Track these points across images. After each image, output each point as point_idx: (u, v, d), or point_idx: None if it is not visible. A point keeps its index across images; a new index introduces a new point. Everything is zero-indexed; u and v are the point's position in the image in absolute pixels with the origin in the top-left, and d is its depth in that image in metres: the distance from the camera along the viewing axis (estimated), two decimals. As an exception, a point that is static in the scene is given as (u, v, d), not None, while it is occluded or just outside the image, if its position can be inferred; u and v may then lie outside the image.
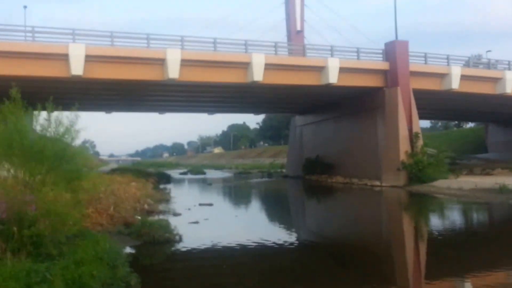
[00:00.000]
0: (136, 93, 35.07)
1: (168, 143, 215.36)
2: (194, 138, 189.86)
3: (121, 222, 14.07)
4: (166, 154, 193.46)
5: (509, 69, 39.53)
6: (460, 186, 28.80)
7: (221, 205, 26.79)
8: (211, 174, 64.60)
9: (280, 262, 11.41)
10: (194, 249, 12.78)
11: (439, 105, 44.64)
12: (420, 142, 34.07)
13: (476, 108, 46.14)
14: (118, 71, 27.80)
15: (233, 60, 29.92)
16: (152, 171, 50.87)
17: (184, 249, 12.64)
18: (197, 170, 69.26)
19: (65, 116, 8.90)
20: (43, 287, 5.56)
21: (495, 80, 38.35)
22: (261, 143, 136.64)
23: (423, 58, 36.13)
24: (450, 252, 12.40)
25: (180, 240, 13.14)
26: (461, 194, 27.02)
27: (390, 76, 34.40)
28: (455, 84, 35.85)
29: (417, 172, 32.38)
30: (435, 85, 36.25)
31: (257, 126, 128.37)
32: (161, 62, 28.24)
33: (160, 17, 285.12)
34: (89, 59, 26.62)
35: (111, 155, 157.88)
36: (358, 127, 39.36)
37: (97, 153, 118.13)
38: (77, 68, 26.57)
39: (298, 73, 31.83)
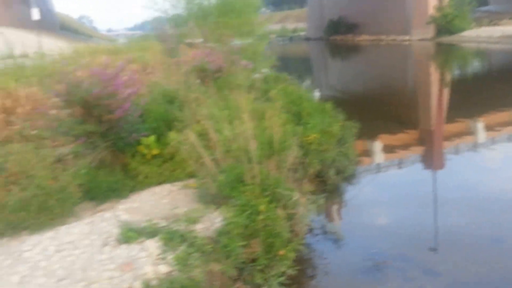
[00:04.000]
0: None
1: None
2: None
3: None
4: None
5: None
6: (489, 34, 30.54)
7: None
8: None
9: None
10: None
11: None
12: (448, -4, 34.97)
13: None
14: None
15: None
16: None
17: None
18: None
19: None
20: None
21: None
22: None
23: None
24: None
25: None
26: (492, 41, 28.94)
27: None
28: None
29: (446, 24, 33.92)
30: None
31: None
32: None
33: None
34: None
35: (109, 30, 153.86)
36: (385, -17, 39.69)
37: (94, 29, 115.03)
38: None
39: None
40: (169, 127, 5.67)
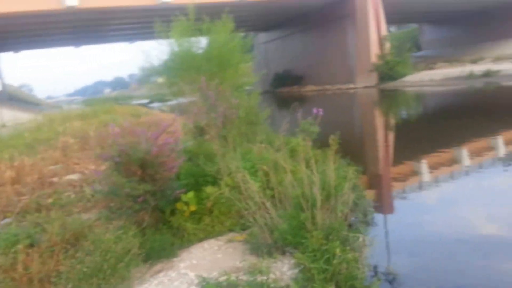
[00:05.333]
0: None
1: (109, 78, 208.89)
2: (135, 70, 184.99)
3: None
4: (107, 90, 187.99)
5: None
6: (430, 77, 32.91)
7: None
8: (181, 99, 65.44)
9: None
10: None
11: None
12: (388, 44, 37.53)
13: (420, 9, 49.56)
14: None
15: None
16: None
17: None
18: (160, 98, 70.16)
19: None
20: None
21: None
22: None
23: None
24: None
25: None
26: (434, 84, 31.16)
27: (360, -16, 36.86)
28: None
29: (388, 71, 36.11)
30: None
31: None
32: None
33: None
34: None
35: (49, 97, 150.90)
36: (327, 37, 42.12)
37: (34, 97, 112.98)
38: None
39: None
40: (200, 182, 5.69)
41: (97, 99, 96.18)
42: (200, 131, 7.98)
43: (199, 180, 5.76)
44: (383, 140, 14.46)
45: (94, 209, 5.53)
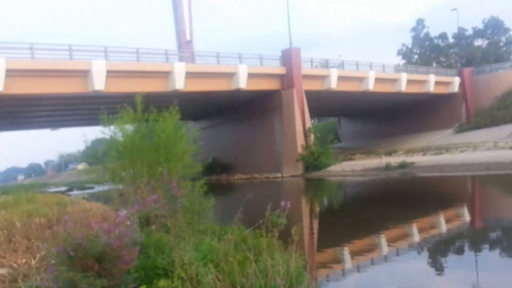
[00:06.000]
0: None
1: (22, 164, 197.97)
2: (52, 156, 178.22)
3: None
4: (21, 177, 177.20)
5: (370, 69, 46.68)
6: (352, 168, 34.77)
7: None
8: (101, 187, 63.29)
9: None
10: None
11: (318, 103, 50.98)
12: (312, 136, 39.57)
13: (340, 105, 53.43)
14: (40, 85, 27.80)
15: (156, 69, 31.92)
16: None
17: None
18: (80, 186, 67.50)
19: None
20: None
21: (361, 80, 45.23)
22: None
23: (310, 62, 41.86)
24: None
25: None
26: (356, 174, 32.88)
27: (287, 79, 39.43)
28: (333, 84, 41.85)
29: (313, 161, 37.71)
30: (318, 86, 41.93)
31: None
32: (85, 74, 28.98)
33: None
34: (10, 73, 26.23)
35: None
36: (255, 127, 43.65)
37: None
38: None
39: (210, 80, 34.98)
40: (150, 275, 5.46)
41: (10, 186, 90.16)
42: (146, 222, 7.78)
43: (149, 273, 5.53)
44: (308, 227, 14.68)
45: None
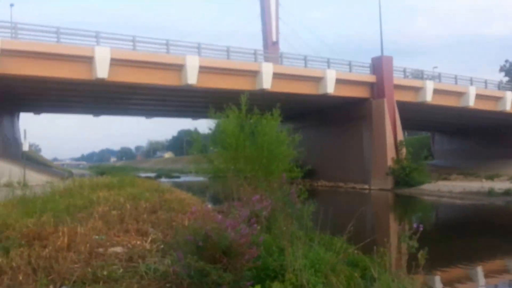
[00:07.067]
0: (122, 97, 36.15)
1: (115, 147, 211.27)
2: (142, 143, 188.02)
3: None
4: (113, 159, 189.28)
5: (471, 84, 43.97)
6: (449, 189, 32.56)
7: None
8: (186, 177, 65.54)
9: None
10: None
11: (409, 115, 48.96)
12: (404, 150, 37.90)
13: (435, 119, 50.74)
14: (139, 75, 29.28)
15: (245, 68, 32.39)
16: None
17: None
18: (167, 174, 70.62)
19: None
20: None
21: (459, 95, 42.71)
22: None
23: (402, 72, 40.31)
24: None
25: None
26: (454, 196, 30.68)
27: (377, 88, 38.20)
28: (428, 97, 39.98)
29: (404, 176, 35.88)
30: (411, 97, 40.24)
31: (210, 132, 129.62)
32: (179, 68, 30.12)
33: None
34: (114, 62, 27.82)
35: (55, 159, 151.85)
36: (342, 134, 42.67)
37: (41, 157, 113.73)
38: (102, 71, 27.62)
39: (297, 82, 34.95)
40: (261, 276, 5.39)
41: (106, 167, 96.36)
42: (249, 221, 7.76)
43: (260, 273, 5.46)
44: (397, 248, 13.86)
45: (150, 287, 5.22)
